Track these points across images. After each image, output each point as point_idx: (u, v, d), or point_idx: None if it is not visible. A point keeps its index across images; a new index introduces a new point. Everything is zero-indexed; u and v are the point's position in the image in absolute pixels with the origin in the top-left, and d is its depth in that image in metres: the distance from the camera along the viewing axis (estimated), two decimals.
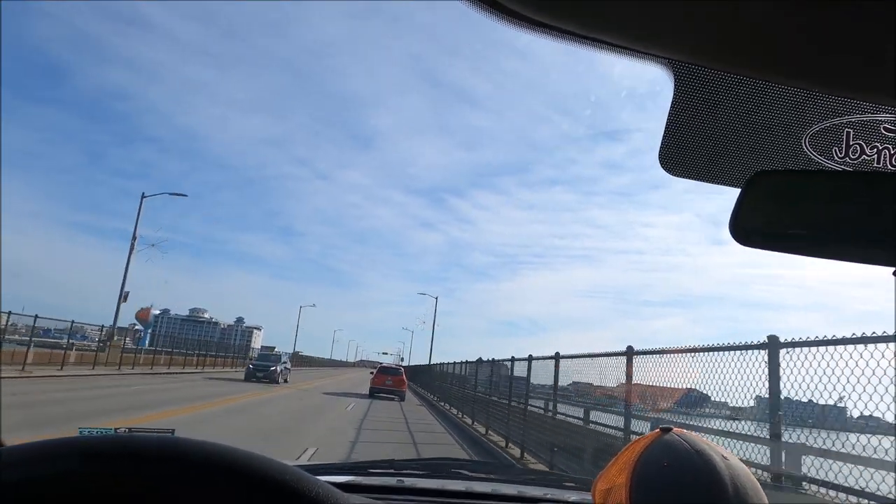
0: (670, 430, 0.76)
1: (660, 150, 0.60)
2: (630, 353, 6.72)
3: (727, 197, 0.62)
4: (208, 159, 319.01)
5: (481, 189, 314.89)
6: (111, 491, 0.52)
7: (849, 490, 3.49)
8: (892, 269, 0.56)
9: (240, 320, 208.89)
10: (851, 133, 0.59)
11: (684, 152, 0.60)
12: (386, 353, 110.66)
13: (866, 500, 3.43)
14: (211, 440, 0.58)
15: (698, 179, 0.61)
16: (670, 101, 0.56)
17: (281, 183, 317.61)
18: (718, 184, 0.62)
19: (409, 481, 1.46)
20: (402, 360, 74.79)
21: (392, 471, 1.56)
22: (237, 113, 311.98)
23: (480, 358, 15.37)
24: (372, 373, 28.12)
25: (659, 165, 0.64)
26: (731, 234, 0.55)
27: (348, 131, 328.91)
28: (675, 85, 0.55)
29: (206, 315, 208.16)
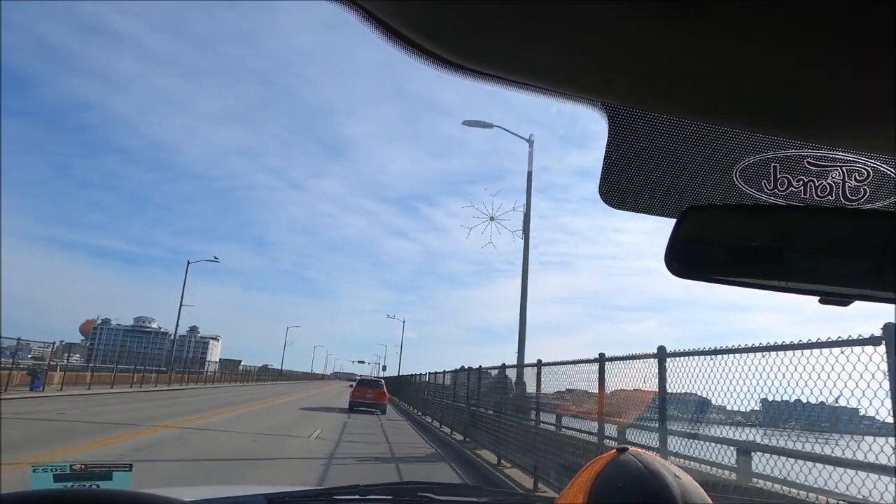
0: (626, 450, 0.83)
1: (599, 185, 0.67)
2: (661, 354, 5.46)
3: None
4: (178, 170, 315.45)
5: (454, 197, 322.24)
6: None
7: None
8: (818, 298, 0.63)
9: (193, 330, 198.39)
10: (778, 167, 0.67)
11: (622, 187, 0.67)
12: (362, 362, 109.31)
13: None
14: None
15: (638, 212, 0.68)
16: (605, 139, 0.62)
17: (253, 193, 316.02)
18: (658, 216, 0.69)
19: None
20: (385, 368, 73.35)
21: (357, 496, 1.61)
22: (208, 123, 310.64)
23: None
24: (351, 385, 28.61)
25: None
26: (667, 267, 0.62)
27: (320, 141, 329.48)
28: (609, 124, 0.61)
29: (154, 325, 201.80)
